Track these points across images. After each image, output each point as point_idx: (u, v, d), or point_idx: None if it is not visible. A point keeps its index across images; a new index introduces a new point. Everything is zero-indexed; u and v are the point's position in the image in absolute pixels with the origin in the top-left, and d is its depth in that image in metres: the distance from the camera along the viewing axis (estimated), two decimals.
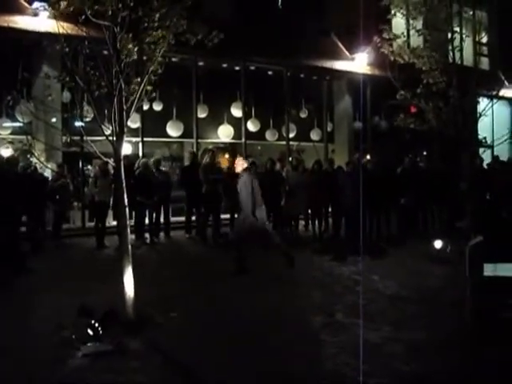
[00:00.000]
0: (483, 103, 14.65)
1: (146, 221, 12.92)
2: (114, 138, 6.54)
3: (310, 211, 13.99)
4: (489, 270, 6.54)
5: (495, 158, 16.80)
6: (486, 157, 16.32)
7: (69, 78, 6.65)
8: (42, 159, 11.83)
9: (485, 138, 14.96)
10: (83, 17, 6.30)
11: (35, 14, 12.27)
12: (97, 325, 5.89)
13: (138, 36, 6.38)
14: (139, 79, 6.46)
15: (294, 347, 5.88)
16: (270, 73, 18.09)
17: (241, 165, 9.87)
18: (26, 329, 6.34)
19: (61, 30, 6.60)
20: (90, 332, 5.83)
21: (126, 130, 6.60)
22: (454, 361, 5.42)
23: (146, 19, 6.35)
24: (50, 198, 12.03)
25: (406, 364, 5.32)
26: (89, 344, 5.70)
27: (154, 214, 13.04)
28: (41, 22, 11.70)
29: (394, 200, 13.13)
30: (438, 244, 10.44)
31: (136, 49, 6.38)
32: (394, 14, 13.94)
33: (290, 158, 16.56)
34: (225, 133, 17.12)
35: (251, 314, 6.96)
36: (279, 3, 18.24)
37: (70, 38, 6.75)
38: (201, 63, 16.34)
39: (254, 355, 5.58)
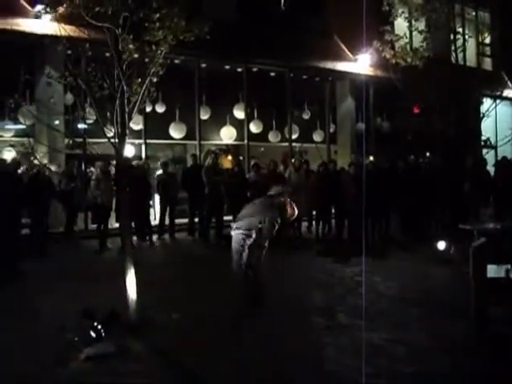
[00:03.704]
0: (486, 104, 14.66)
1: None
2: (117, 140, 6.54)
3: (313, 212, 13.98)
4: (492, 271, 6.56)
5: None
6: (490, 157, 16.23)
7: (71, 81, 6.65)
8: (45, 161, 11.90)
9: (488, 138, 14.96)
10: (85, 19, 6.29)
11: (37, 17, 12.27)
12: (99, 327, 5.88)
13: (138, 37, 6.38)
14: (140, 81, 6.46)
15: (297, 348, 5.86)
16: (272, 74, 18.09)
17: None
18: (29, 331, 6.33)
19: (63, 33, 6.62)
20: (93, 334, 5.82)
21: (128, 131, 6.60)
22: (458, 362, 5.40)
23: (147, 20, 6.35)
24: (63, 201, 12.07)
25: (408, 366, 5.30)
26: (92, 346, 5.69)
27: (159, 216, 13.13)
28: (43, 24, 11.70)
29: (396, 201, 13.10)
30: (441, 245, 10.41)
31: (137, 50, 6.38)
32: (396, 15, 13.95)
33: (293, 160, 16.54)
34: (227, 134, 17.12)
35: (254, 316, 6.94)
36: (281, 4, 18.23)
37: (72, 41, 6.77)
38: (203, 65, 16.35)
39: (257, 356, 5.56)
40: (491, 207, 13.85)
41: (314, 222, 14.08)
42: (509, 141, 15.55)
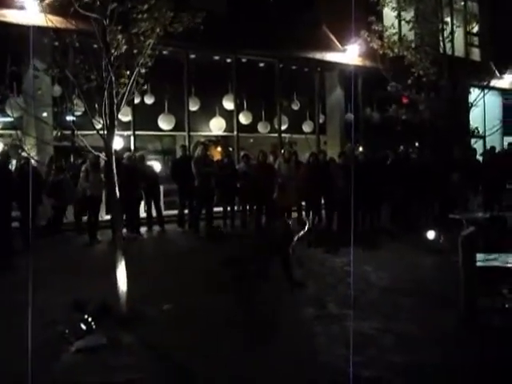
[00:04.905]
0: (474, 94, 14.71)
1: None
2: (105, 132, 6.51)
3: (303, 203, 13.98)
4: (481, 259, 6.61)
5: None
6: (478, 147, 16.28)
7: (58, 72, 6.60)
8: (33, 154, 11.79)
9: (476, 128, 15.02)
10: (72, 9, 6.23)
11: (23, 7, 12.14)
12: (90, 319, 5.87)
13: (126, 28, 6.33)
14: (129, 72, 6.42)
15: (287, 339, 5.88)
16: (261, 65, 18.05)
17: None
18: (19, 324, 6.28)
19: (49, 24, 6.55)
20: (84, 327, 5.81)
21: (116, 123, 6.56)
22: (447, 352, 5.44)
23: (135, 11, 6.30)
24: (50, 193, 11.98)
25: (398, 355, 5.33)
26: (82, 339, 5.68)
27: (146, 208, 13.09)
28: (29, 15, 11.57)
29: (386, 191, 13.14)
30: (430, 235, 10.47)
31: (125, 41, 6.33)
32: (384, 5, 13.93)
33: (283, 151, 16.54)
34: (217, 125, 17.07)
35: (244, 307, 6.96)
36: None
37: (59, 32, 6.70)
38: (192, 56, 16.27)
39: (246, 348, 5.58)
40: (480, 196, 13.93)
41: (303, 213, 14.09)
42: (497, 130, 15.63)
